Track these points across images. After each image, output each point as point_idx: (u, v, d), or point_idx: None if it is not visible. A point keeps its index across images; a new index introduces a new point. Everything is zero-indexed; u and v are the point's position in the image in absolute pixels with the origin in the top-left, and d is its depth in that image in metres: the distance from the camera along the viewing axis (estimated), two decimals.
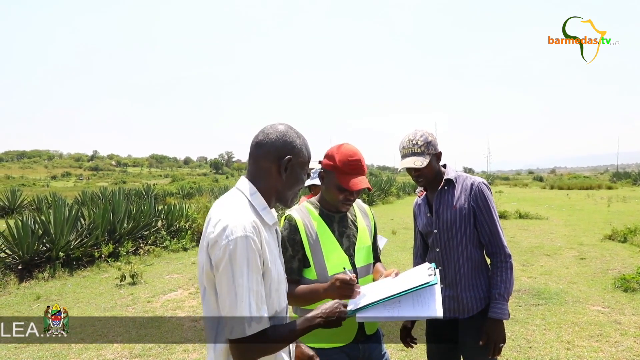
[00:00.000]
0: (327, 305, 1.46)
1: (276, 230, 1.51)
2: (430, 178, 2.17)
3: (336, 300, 1.50)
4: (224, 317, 1.25)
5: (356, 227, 2.01)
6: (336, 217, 1.97)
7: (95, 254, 7.83)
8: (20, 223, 7.26)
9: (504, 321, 2.06)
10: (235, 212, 1.31)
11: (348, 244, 1.95)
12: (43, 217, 7.75)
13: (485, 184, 2.16)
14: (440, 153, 2.17)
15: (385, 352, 2.04)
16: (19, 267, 7.06)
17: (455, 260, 2.12)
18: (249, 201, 1.39)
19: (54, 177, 79.55)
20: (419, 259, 2.41)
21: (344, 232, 1.96)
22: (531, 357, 3.69)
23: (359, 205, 2.14)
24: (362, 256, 1.98)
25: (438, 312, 1.56)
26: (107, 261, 7.86)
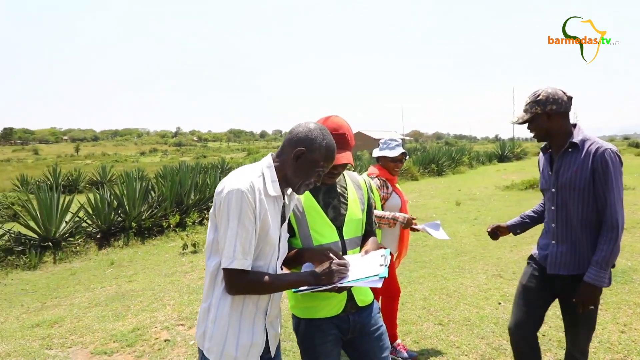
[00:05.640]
0: (320, 266, 1.64)
1: (284, 204, 1.69)
2: (541, 135, 2.22)
3: (330, 261, 1.64)
4: (221, 250, 1.52)
5: (346, 199, 1.97)
6: (323, 188, 1.94)
7: (164, 224, 8.43)
8: (98, 196, 7.99)
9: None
10: (242, 174, 1.56)
11: (334, 214, 1.91)
12: (117, 191, 8.45)
13: (613, 151, 2.08)
14: (550, 111, 2.13)
15: (380, 325, 1.99)
16: (98, 236, 7.80)
17: (569, 220, 2.18)
18: (262, 172, 1.60)
19: (142, 153, 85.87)
20: (539, 206, 2.58)
21: (329, 202, 1.92)
22: None
23: (351, 176, 2.08)
24: (351, 228, 1.94)
25: None
26: (175, 231, 8.43)
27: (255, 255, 1.58)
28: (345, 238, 1.91)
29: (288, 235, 1.81)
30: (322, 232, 1.88)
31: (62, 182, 18.48)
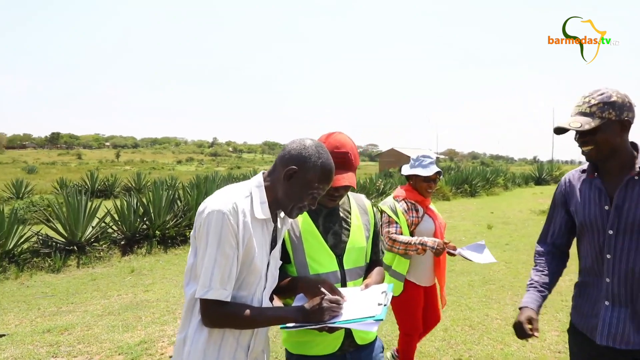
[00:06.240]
0: (311, 302, 1.46)
1: (276, 228, 1.54)
2: (605, 152, 1.61)
3: (321, 296, 1.46)
4: (197, 277, 1.37)
5: (349, 225, 1.79)
6: (324, 211, 1.77)
7: (187, 233, 8.42)
8: (125, 203, 8.08)
9: None
10: (226, 194, 1.42)
11: (334, 241, 1.73)
12: (144, 199, 8.53)
13: None
14: (626, 121, 1.58)
15: None
16: (122, 243, 7.86)
17: (635, 275, 1.60)
18: (250, 192, 1.46)
19: (179, 162, 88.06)
20: (549, 256, 2.03)
21: (330, 227, 1.75)
22: None
23: (357, 200, 1.90)
24: (353, 257, 1.75)
25: None
26: None
27: (238, 285, 1.42)
28: (345, 268, 1.73)
29: (280, 262, 1.64)
30: (320, 260, 1.71)
31: (99, 187, 19.05)
